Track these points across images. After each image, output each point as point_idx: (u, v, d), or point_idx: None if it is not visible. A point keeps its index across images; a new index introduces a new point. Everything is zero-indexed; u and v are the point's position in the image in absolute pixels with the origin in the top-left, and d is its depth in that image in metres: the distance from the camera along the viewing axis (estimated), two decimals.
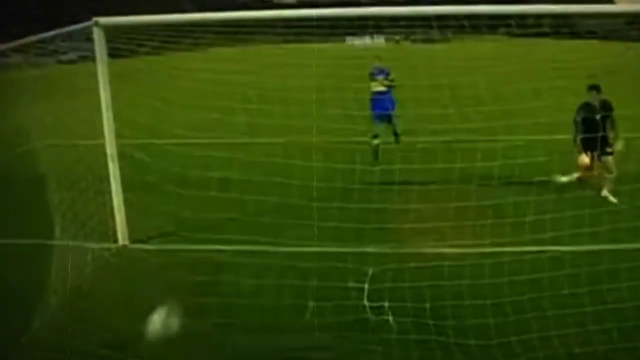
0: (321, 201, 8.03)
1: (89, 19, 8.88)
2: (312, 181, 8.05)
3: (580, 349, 5.91)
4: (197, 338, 6.35)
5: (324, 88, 9.97)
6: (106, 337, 6.36)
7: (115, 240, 9.23)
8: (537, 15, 9.65)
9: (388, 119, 13.11)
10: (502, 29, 15.62)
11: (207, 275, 7.38)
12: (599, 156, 10.31)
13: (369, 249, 8.13)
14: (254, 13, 9.54)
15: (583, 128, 10.10)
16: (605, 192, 10.29)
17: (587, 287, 6.59)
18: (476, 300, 6.57)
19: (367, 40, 22.29)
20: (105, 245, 8.96)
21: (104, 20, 8.86)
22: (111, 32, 9.12)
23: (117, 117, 9.29)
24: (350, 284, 7.04)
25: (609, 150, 10.25)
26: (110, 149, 9.22)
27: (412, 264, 7.18)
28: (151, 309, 6.63)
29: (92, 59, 9.17)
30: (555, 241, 7.82)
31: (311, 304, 6.65)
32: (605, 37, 14.30)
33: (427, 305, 6.51)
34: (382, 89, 13.04)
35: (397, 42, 23.98)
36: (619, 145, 10.31)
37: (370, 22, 9.41)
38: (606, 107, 10.23)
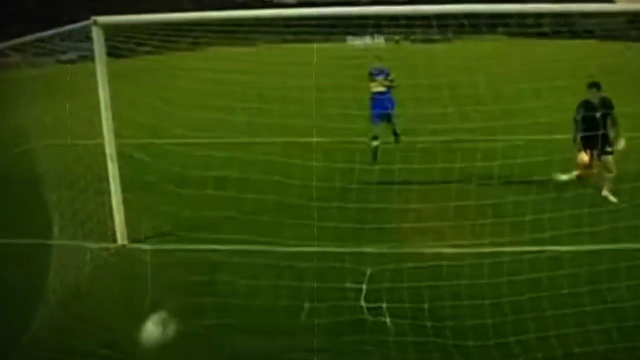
0: (320, 201, 8.03)
1: (89, 18, 8.87)
2: (312, 181, 8.06)
3: (580, 349, 5.89)
4: (194, 338, 6.34)
5: (324, 88, 9.97)
6: (106, 337, 6.35)
7: (115, 240, 9.23)
8: (537, 14, 9.65)
9: (388, 119, 13.10)
10: (502, 29, 15.60)
11: (205, 275, 7.39)
12: (599, 155, 10.30)
13: (368, 249, 8.12)
14: (254, 12, 9.51)
15: (583, 127, 10.08)
16: (605, 192, 10.27)
17: (587, 287, 6.58)
18: (475, 301, 6.56)
19: (367, 41, 22.27)
20: (104, 245, 8.95)
21: (103, 19, 8.86)
22: (110, 32, 9.12)
23: (116, 117, 9.29)
24: (348, 285, 7.04)
25: (609, 149, 10.23)
26: (110, 149, 9.22)
27: (410, 265, 7.17)
28: (150, 309, 6.61)
29: (92, 58, 9.16)
30: (555, 241, 7.81)
31: (307, 305, 6.64)
32: (605, 37, 14.27)
33: (426, 306, 6.50)
34: (381, 89, 13.02)
35: (397, 42, 23.95)
36: (621, 144, 10.29)
37: (370, 22, 9.38)
38: (606, 105, 10.21)
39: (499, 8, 8.02)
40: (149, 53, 12.47)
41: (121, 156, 9.42)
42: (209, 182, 8.68)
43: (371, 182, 9.75)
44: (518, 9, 8.04)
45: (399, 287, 6.81)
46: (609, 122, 10.19)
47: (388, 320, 6.48)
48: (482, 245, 7.90)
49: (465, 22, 9.29)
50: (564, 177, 10.46)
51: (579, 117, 10.18)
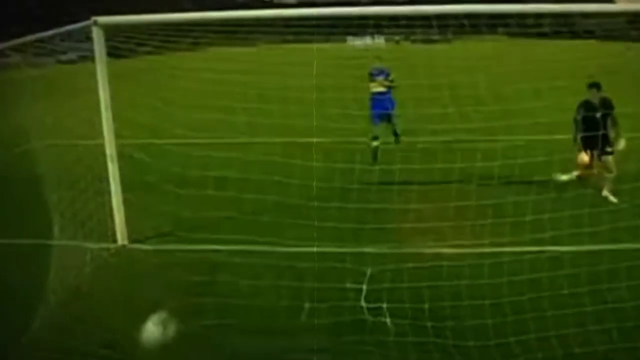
0: (320, 201, 8.03)
1: (89, 18, 8.87)
2: (311, 181, 8.06)
3: (580, 349, 5.89)
4: (194, 338, 6.33)
5: (323, 88, 9.96)
6: (106, 337, 6.35)
7: (115, 240, 9.23)
8: (537, 14, 9.66)
9: (388, 119, 13.10)
10: (502, 29, 15.61)
11: (205, 275, 7.39)
12: (599, 155, 10.30)
13: (368, 249, 8.12)
14: (254, 12, 9.52)
15: (583, 127, 10.08)
16: (605, 192, 10.27)
17: (587, 287, 6.57)
18: (475, 301, 6.55)
19: (367, 41, 22.29)
20: (104, 245, 8.95)
21: (103, 19, 8.85)
22: (110, 32, 9.12)
23: (116, 117, 9.28)
24: (348, 285, 7.03)
25: (609, 149, 10.23)
26: (110, 149, 9.22)
27: (410, 265, 7.16)
28: (150, 309, 6.61)
29: (92, 58, 9.16)
30: (555, 241, 7.81)
31: (307, 305, 6.63)
32: (605, 37, 14.28)
33: (426, 306, 6.49)
34: (381, 89, 13.02)
35: (397, 42, 23.96)
36: (621, 144, 10.29)
37: (370, 22, 9.39)
38: (606, 105, 10.21)
39: (499, 8, 8.02)
40: (149, 53, 12.46)
41: (121, 156, 9.42)
42: (209, 182, 8.68)
43: (371, 182, 9.75)
44: (518, 9, 8.05)
45: (399, 287, 6.81)
46: (609, 122, 10.18)
47: (388, 320, 6.48)
48: (482, 245, 7.90)
49: (465, 22, 9.30)
50: (564, 177, 10.47)
51: (579, 117, 10.18)
